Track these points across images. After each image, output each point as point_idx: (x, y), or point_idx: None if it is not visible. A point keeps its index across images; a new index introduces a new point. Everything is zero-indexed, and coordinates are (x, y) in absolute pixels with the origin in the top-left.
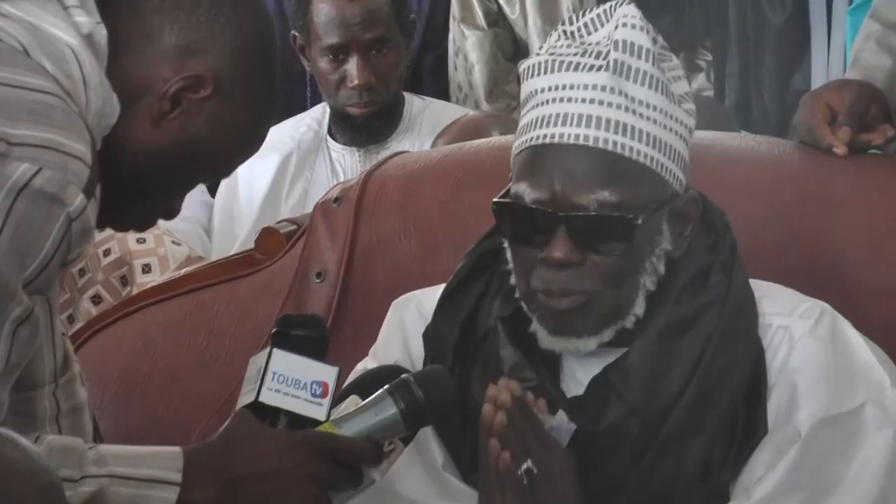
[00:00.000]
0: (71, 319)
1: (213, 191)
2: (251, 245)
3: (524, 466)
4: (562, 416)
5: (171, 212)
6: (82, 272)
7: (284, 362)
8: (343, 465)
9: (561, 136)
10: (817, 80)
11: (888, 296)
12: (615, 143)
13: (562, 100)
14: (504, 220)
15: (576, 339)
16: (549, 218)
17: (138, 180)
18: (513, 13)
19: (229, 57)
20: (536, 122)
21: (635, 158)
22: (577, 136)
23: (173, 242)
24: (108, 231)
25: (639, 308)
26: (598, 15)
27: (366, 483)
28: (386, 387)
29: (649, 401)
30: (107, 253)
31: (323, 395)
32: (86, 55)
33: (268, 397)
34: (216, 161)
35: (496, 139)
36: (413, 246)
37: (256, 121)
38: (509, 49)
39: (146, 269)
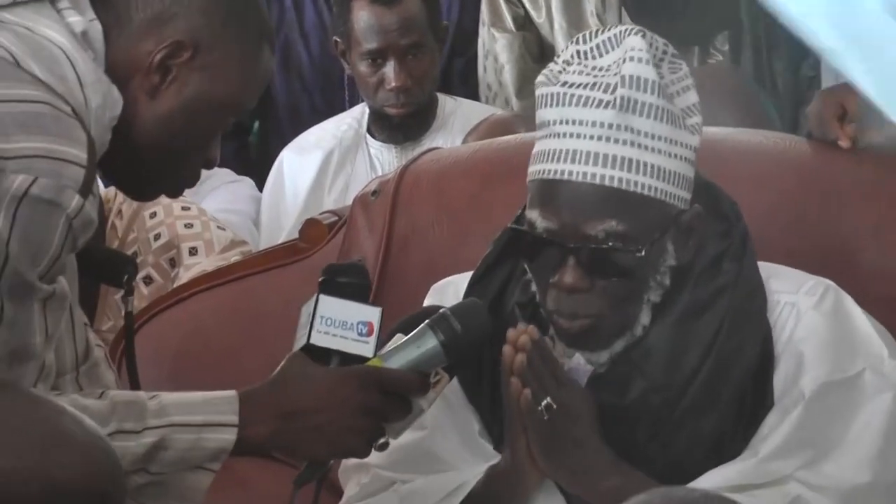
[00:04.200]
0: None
1: (261, 186)
2: (296, 235)
3: (544, 403)
4: (578, 358)
5: (210, 162)
6: (135, 255)
7: (331, 306)
8: (391, 395)
9: (570, 173)
10: (826, 67)
11: (887, 277)
12: (620, 180)
13: (571, 135)
14: (518, 244)
15: (589, 352)
16: (559, 248)
17: (161, 152)
18: (539, 17)
19: (200, 13)
20: (548, 154)
21: (640, 192)
22: (584, 175)
23: (218, 228)
24: (159, 217)
25: (644, 318)
26: (609, 39)
27: (415, 412)
28: (426, 321)
29: (669, 377)
30: (157, 237)
31: (369, 334)
32: (79, 55)
33: (318, 339)
34: (225, 107)
35: (521, 136)
36: (445, 235)
37: (250, 59)
38: (536, 50)
39: (193, 251)
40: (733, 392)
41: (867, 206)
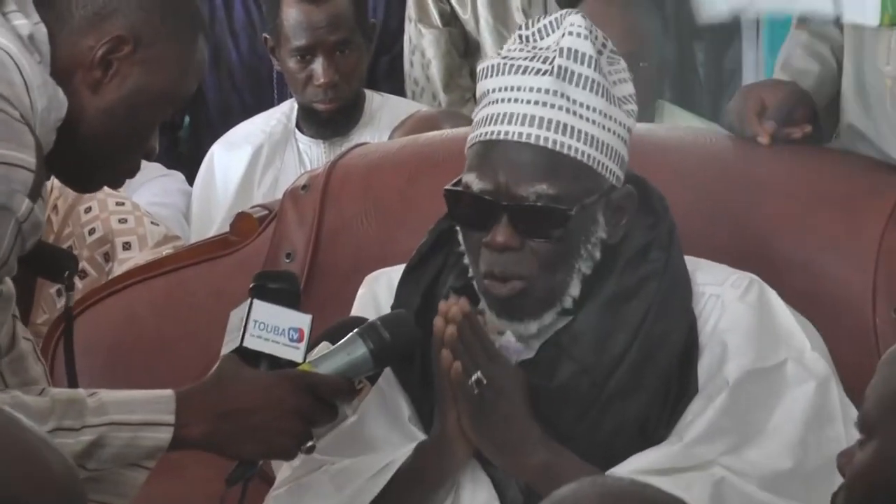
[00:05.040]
0: (59, 293)
1: (191, 181)
2: (227, 229)
3: (474, 377)
4: (510, 336)
5: (150, 152)
6: (70, 249)
7: (264, 311)
8: (321, 400)
9: (507, 133)
10: (748, 59)
11: (804, 269)
12: (555, 142)
13: (510, 100)
14: (454, 206)
15: (517, 322)
16: (492, 206)
17: (104, 144)
18: (465, 13)
19: (139, 9)
20: (487, 119)
21: (573, 156)
22: (520, 134)
23: (152, 223)
24: (94, 212)
25: (574, 290)
26: (551, 22)
27: (340, 418)
28: (356, 330)
29: (596, 361)
30: (91, 232)
31: (299, 340)
32: (25, 59)
33: (251, 342)
34: (164, 99)
35: (447, 132)
36: (374, 228)
37: (187, 52)
38: (462, 46)
39: (126, 246)
40: (658, 377)
41: (785, 200)
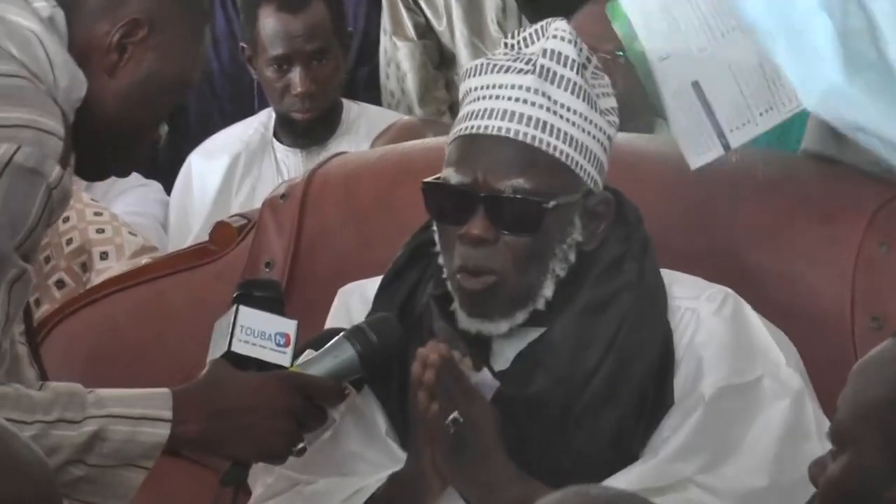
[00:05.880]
0: (38, 303)
1: (168, 190)
2: (205, 238)
3: (451, 416)
4: (486, 372)
5: (156, 142)
6: (48, 259)
7: (250, 317)
8: (310, 401)
9: (486, 127)
10: None
11: (782, 280)
12: (533, 137)
13: (491, 97)
14: (431, 199)
15: (488, 321)
16: (469, 198)
17: (117, 129)
18: (440, 25)
19: None
20: (467, 115)
21: (551, 153)
22: (500, 129)
23: (129, 233)
24: (72, 222)
25: (548, 290)
26: (537, 30)
27: (329, 422)
28: (342, 333)
29: (571, 371)
30: (69, 242)
31: (286, 345)
32: (48, 38)
33: (238, 347)
34: (176, 85)
35: (427, 140)
36: (352, 237)
37: (196, 39)
38: (437, 58)
39: (104, 256)
40: (633, 389)
41: (763, 210)
